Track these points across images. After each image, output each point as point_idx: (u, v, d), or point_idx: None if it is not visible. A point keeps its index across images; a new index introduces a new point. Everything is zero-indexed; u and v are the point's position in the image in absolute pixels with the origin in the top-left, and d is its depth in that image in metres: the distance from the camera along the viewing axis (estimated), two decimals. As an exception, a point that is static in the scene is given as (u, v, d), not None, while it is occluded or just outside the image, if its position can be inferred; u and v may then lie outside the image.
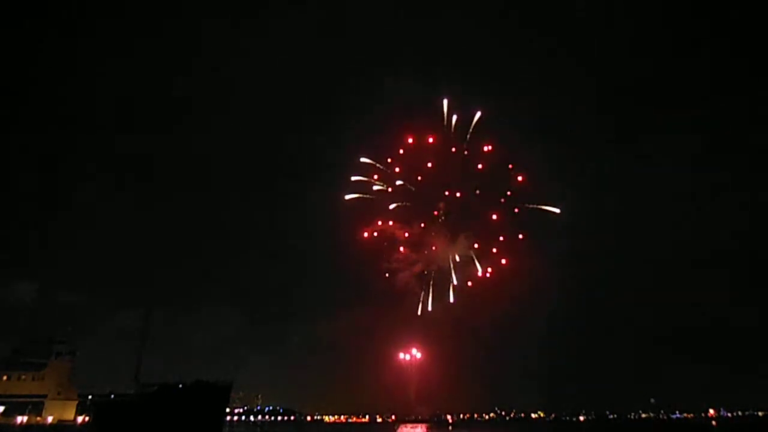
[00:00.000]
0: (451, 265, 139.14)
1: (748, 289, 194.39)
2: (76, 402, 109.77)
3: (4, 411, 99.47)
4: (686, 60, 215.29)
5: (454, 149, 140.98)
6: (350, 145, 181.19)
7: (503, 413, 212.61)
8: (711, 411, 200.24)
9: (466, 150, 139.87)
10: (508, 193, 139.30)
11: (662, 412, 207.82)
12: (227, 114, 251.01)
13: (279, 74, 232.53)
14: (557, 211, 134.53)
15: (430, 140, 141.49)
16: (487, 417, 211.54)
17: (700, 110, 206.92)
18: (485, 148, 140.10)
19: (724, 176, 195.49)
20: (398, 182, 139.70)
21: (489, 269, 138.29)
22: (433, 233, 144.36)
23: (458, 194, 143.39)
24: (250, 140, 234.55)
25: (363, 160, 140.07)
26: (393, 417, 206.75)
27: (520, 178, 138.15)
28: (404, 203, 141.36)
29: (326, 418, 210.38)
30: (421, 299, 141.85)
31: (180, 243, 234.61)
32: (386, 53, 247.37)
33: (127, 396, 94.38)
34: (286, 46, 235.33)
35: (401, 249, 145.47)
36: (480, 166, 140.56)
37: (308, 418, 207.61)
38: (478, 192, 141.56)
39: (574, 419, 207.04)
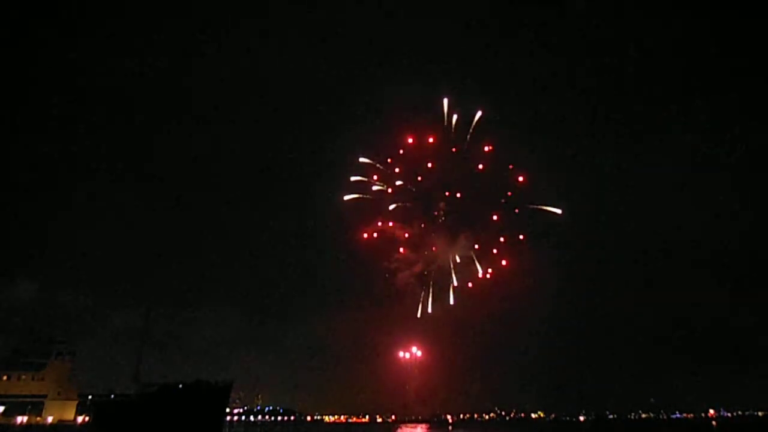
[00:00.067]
0: (452, 266, 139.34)
1: (748, 289, 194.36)
2: (76, 402, 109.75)
3: (4, 411, 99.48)
4: (686, 60, 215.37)
5: (454, 149, 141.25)
6: (350, 146, 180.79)
7: (503, 413, 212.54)
8: (711, 411, 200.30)
9: (467, 150, 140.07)
10: (509, 193, 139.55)
11: (662, 412, 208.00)
12: (227, 114, 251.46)
13: (279, 74, 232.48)
14: (559, 211, 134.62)
15: (430, 140, 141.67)
16: (487, 417, 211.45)
17: (700, 110, 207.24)
18: (485, 149, 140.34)
19: (724, 176, 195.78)
20: (398, 182, 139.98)
21: (489, 270, 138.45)
22: (433, 234, 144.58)
23: (458, 194, 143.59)
24: (250, 140, 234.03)
25: (362, 160, 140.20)
26: (393, 417, 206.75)
27: (520, 179, 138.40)
28: (404, 203, 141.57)
29: (326, 418, 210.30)
30: (421, 299, 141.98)
31: (180, 243, 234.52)
32: (386, 53, 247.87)
33: (127, 396, 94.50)
34: (285, 46, 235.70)
35: (401, 249, 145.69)
36: (480, 166, 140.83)
37: (308, 418, 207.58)
38: (478, 192, 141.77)
39: (574, 419, 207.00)
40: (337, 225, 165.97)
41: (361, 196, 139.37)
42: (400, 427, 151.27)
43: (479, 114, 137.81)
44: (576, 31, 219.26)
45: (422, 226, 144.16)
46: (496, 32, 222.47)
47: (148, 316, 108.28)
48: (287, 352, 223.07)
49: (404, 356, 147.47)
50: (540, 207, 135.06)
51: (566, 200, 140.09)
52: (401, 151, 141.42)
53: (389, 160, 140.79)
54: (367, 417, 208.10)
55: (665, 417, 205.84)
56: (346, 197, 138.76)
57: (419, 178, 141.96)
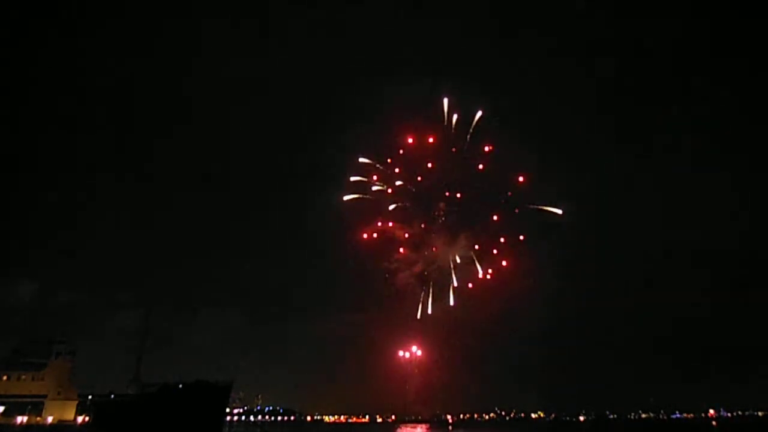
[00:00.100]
0: (452, 266, 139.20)
1: (748, 289, 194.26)
2: (76, 402, 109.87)
3: (4, 411, 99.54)
4: (686, 59, 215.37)
5: (454, 149, 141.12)
6: (350, 146, 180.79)
7: (503, 413, 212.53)
8: (711, 411, 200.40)
9: (467, 150, 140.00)
10: (509, 193, 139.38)
11: (662, 412, 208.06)
12: (226, 114, 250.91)
13: (279, 74, 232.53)
14: (559, 212, 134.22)
15: (430, 140, 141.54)
16: (487, 417, 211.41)
17: (700, 110, 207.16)
18: (485, 149, 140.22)
19: (724, 176, 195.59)
20: (398, 182, 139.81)
21: (489, 270, 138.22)
22: (433, 234, 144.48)
23: (458, 195, 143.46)
24: (250, 140, 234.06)
25: (362, 160, 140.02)
26: (393, 417, 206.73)
27: (521, 179, 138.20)
28: (404, 204, 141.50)
29: (326, 418, 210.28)
30: (421, 299, 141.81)
31: (180, 243, 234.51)
32: (386, 53, 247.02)
33: (127, 396, 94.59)
34: (285, 46, 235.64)
35: (401, 250, 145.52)
36: (480, 166, 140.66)
37: (308, 418, 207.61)
38: (478, 192, 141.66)
39: (574, 419, 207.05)
40: (337, 225, 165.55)
41: (360, 196, 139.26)
42: (400, 427, 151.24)
43: (479, 114, 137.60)
44: (576, 31, 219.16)
45: (422, 226, 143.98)
46: (496, 32, 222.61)
47: (148, 317, 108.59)
48: (287, 352, 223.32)
49: (404, 355, 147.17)
50: (540, 207, 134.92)
51: (566, 200, 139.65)
52: (401, 151, 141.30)
53: (389, 160, 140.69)
54: (367, 417, 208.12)
55: (665, 417, 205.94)
56: (346, 197, 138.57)
57: (419, 179, 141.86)
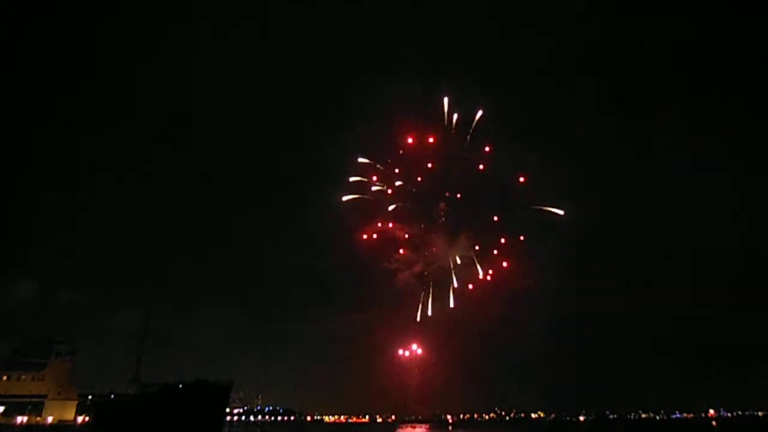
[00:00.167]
0: (452, 267, 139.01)
1: (748, 289, 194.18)
2: (76, 402, 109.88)
3: (4, 411, 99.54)
4: (686, 59, 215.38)
5: (454, 149, 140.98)
6: (350, 146, 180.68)
7: (503, 413, 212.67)
8: (711, 411, 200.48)
9: (467, 150, 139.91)
10: (509, 194, 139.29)
11: (662, 412, 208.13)
12: (226, 114, 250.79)
13: (278, 74, 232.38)
14: (561, 212, 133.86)
15: (430, 140, 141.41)
16: (487, 417, 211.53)
17: (700, 110, 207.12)
18: (486, 149, 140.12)
19: (724, 176, 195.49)
20: (398, 183, 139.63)
21: (490, 271, 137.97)
22: (433, 234, 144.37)
23: (458, 195, 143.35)
24: (249, 140, 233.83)
25: (361, 160, 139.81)
26: (393, 417, 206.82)
27: (521, 179, 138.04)
28: (404, 204, 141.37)
29: (326, 418, 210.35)
30: (422, 300, 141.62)
31: (180, 243, 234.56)
32: (386, 53, 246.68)
33: (127, 396, 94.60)
34: (285, 46, 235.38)
35: (401, 250, 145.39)
36: (481, 166, 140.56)
37: (308, 418, 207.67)
38: (478, 193, 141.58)
39: (574, 419, 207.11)
40: (337, 225, 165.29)
41: (360, 196, 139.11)
42: (400, 427, 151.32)
43: (479, 114, 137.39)
44: (576, 31, 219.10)
45: (422, 226, 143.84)
46: (496, 32, 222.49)
47: (148, 317, 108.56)
48: (287, 352, 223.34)
49: (404, 354, 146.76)
50: (541, 207, 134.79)
51: (566, 200, 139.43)
52: (401, 152, 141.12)
53: (389, 161, 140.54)
54: (367, 417, 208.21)
55: (665, 417, 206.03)
56: (346, 198, 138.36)
57: (419, 179, 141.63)
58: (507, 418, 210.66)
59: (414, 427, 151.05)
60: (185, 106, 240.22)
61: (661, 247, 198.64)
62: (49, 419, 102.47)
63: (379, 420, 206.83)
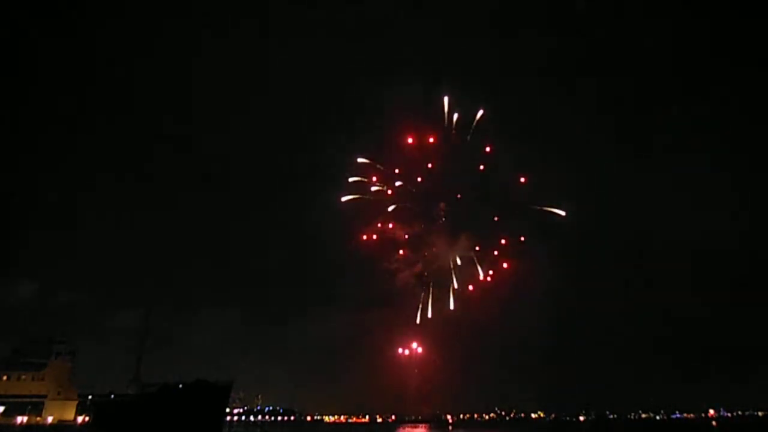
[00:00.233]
0: (452, 267, 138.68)
1: (748, 289, 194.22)
2: (76, 402, 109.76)
3: (4, 411, 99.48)
4: (686, 59, 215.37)
5: (454, 150, 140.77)
6: (350, 146, 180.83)
7: (503, 413, 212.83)
8: (711, 411, 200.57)
9: (467, 150, 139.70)
10: (510, 194, 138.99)
11: (662, 412, 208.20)
12: (226, 114, 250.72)
13: (278, 74, 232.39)
14: (562, 213, 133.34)
15: (431, 140, 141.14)
16: (487, 417, 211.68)
17: (700, 110, 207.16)
18: (486, 149, 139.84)
19: (724, 176, 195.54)
20: (398, 183, 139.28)
21: (490, 272, 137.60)
22: (433, 235, 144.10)
23: (458, 195, 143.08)
24: (249, 140, 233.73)
25: (361, 160, 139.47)
26: (393, 417, 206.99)
27: (522, 179, 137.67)
28: (404, 204, 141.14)
29: (326, 418, 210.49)
30: (422, 301, 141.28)
31: (180, 243, 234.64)
32: (386, 53, 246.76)
33: (127, 396, 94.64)
34: (285, 46, 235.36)
35: (401, 251, 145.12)
36: (481, 167, 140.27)
37: (308, 418, 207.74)
38: (479, 193, 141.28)
39: (574, 419, 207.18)
40: (337, 226, 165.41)
41: (360, 196, 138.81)
42: (400, 427, 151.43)
43: (480, 113, 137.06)
44: (576, 31, 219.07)
45: (422, 227, 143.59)
46: (496, 32, 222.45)
47: (148, 317, 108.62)
48: (287, 352, 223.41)
49: (404, 352, 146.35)
50: (542, 208, 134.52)
51: (566, 200, 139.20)
52: (401, 152, 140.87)
53: (389, 161, 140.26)
54: (367, 417, 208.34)
55: (665, 417, 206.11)
56: (345, 198, 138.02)
57: (419, 179, 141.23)
58: (507, 418, 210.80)
59: (414, 427, 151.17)
60: (185, 106, 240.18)
61: (661, 247, 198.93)
62: (49, 419, 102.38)
63: (379, 420, 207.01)
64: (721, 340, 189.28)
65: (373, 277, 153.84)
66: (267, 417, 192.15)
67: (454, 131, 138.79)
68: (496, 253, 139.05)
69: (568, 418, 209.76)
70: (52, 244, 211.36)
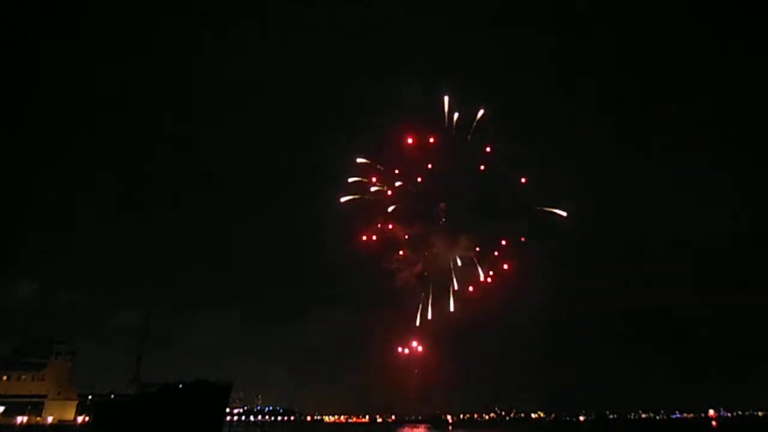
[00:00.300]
0: (452, 267, 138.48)
1: (748, 289, 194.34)
2: (76, 402, 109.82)
3: (4, 411, 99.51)
4: (686, 59, 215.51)
5: (454, 150, 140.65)
6: (350, 146, 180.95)
7: (503, 413, 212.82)
8: (711, 411, 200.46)
9: (467, 150, 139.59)
10: (510, 194, 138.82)
11: (662, 412, 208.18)
12: (226, 114, 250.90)
13: (278, 74, 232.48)
14: (564, 213, 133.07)
15: (431, 140, 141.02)
16: (487, 417, 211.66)
17: (700, 110, 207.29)
18: (486, 149, 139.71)
19: (724, 176, 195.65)
20: (398, 183, 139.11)
21: (491, 273, 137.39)
22: (433, 235, 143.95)
23: (459, 196, 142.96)
24: (249, 140, 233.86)
25: (361, 160, 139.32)
26: (393, 417, 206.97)
27: (522, 180, 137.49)
28: (404, 204, 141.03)
29: (326, 418, 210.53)
30: (421, 301, 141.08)
31: (180, 243, 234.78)
32: (386, 53, 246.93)
33: (127, 396, 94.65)
34: (285, 46, 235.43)
35: (401, 251, 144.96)
36: (482, 167, 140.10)
37: (308, 418, 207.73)
38: (479, 193, 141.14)
39: (574, 419, 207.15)
40: (337, 226, 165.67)
41: (360, 197, 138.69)
42: (400, 427, 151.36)
43: (480, 113, 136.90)
44: (576, 31, 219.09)
45: (422, 227, 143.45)
46: (496, 32, 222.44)
47: (148, 317, 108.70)
48: (287, 352, 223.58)
49: (404, 351, 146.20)
50: (542, 208, 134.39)
51: (566, 200, 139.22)
52: (401, 152, 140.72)
53: (389, 161, 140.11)
54: (367, 417, 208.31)
55: (665, 417, 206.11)
56: (345, 198, 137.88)
57: (419, 179, 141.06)
58: (507, 418, 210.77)
59: (414, 427, 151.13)
60: (185, 106, 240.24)
61: (661, 247, 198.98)
62: (49, 419, 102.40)
63: (379, 420, 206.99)
64: (721, 340, 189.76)
65: (373, 277, 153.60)
66: (267, 417, 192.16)
67: (454, 131, 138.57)
68: (496, 253, 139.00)
69: (568, 418, 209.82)
70: (52, 244, 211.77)
